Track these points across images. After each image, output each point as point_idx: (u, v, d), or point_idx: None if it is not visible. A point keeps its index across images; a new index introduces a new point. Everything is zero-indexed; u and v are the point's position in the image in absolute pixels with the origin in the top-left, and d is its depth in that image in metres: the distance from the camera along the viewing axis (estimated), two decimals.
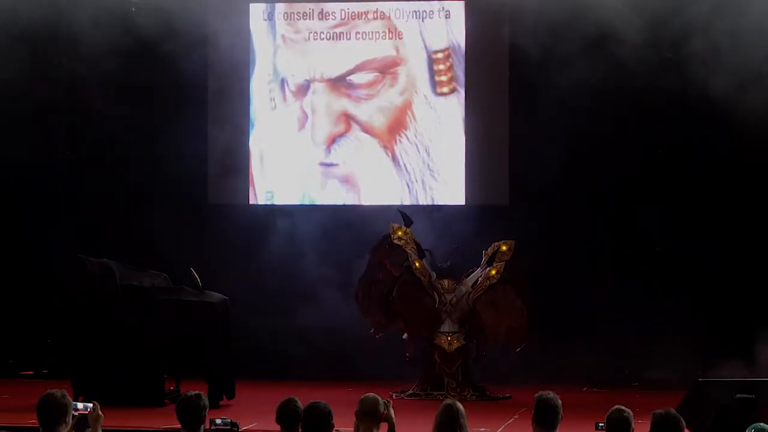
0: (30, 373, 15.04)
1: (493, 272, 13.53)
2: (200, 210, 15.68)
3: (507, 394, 13.38)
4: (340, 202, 15.53)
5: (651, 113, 14.60)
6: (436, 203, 15.24)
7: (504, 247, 13.63)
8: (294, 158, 15.62)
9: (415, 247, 13.68)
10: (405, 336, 13.71)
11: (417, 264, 13.58)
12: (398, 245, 13.64)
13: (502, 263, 13.52)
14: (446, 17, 15.50)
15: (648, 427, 6.43)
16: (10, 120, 15.35)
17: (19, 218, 15.61)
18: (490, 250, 13.72)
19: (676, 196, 14.69)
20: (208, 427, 6.72)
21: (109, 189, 15.54)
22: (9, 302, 15.40)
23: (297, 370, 14.50)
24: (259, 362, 14.45)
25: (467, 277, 13.71)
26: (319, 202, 15.58)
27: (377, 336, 13.57)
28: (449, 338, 13.56)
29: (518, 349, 13.46)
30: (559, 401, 6.37)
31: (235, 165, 15.70)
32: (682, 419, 6.02)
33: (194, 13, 15.14)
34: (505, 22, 15.18)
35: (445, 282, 13.68)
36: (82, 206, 15.51)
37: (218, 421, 6.94)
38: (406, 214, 14.00)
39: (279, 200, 15.65)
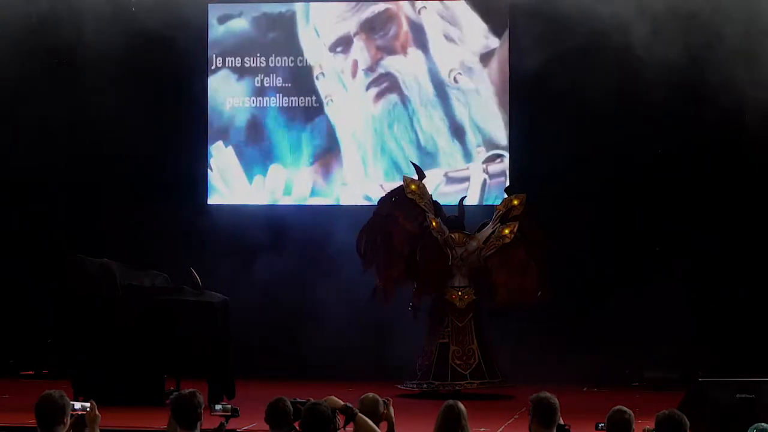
0: (30, 373, 15.03)
1: (506, 231, 13.48)
2: (200, 210, 15.68)
3: (511, 394, 13.36)
4: (339, 202, 15.56)
5: (652, 113, 14.61)
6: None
7: (515, 201, 13.60)
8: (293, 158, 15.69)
9: (429, 202, 13.59)
10: (413, 289, 13.60)
11: (434, 224, 13.50)
12: (411, 199, 13.56)
13: (516, 223, 13.48)
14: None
15: (647, 426, 6.44)
16: (10, 120, 15.36)
17: (19, 218, 15.60)
18: (502, 205, 13.71)
19: (676, 196, 14.69)
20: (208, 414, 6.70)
21: (109, 189, 15.54)
22: (9, 302, 15.40)
23: (297, 370, 14.50)
24: (259, 362, 14.45)
25: (479, 231, 13.67)
26: (318, 201, 15.60)
27: (386, 297, 13.46)
28: (460, 293, 13.49)
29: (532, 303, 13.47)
30: (556, 399, 6.37)
31: (234, 165, 15.73)
32: (686, 419, 6.01)
33: (195, 14, 15.18)
34: (505, 20, 15.24)
35: (456, 235, 13.59)
36: (82, 206, 15.50)
37: (218, 407, 6.90)
38: (419, 167, 13.93)
39: (278, 200, 15.67)
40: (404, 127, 15.41)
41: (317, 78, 15.52)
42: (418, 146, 15.34)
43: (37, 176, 15.49)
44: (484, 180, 15.27)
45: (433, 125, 15.35)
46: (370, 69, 15.47)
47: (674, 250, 14.64)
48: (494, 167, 15.27)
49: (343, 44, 15.52)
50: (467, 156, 15.31)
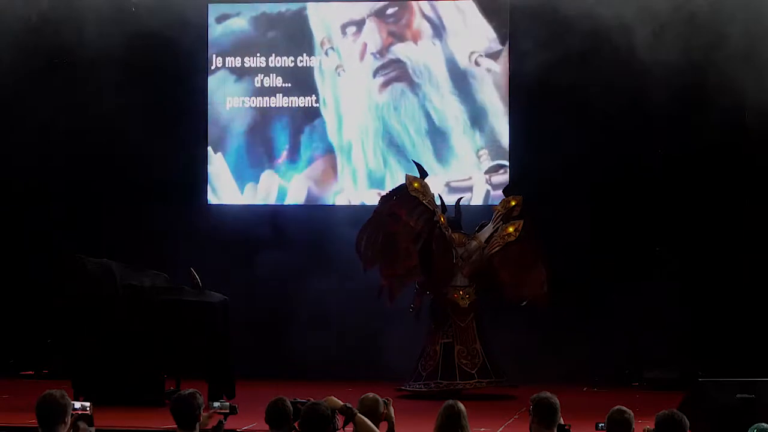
0: (30, 373, 15.02)
1: (511, 229, 13.47)
2: (200, 210, 15.68)
3: (513, 394, 13.34)
4: (339, 202, 15.55)
5: (653, 114, 14.62)
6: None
7: (513, 202, 13.60)
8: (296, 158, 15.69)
9: (432, 200, 13.56)
10: (416, 288, 13.55)
11: (442, 219, 13.50)
12: (414, 197, 13.53)
13: (521, 221, 13.48)
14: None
15: (647, 426, 6.44)
16: (10, 120, 15.36)
17: (19, 218, 15.60)
18: (500, 206, 13.71)
19: (677, 197, 14.69)
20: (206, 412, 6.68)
21: (109, 189, 15.54)
22: (9, 302, 15.40)
23: (297, 370, 14.49)
24: (259, 362, 14.44)
25: (478, 231, 13.65)
26: (319, 201, 15.60)
27: (391, 296, 13.39)
28: (461, 292, 13.49)
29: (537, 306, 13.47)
30: (557, 399, 6.38)
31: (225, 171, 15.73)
32: (685, 419, 6.01)
33: (195, 14, 15.18)
34: (506, 19, 15.24)
35: (456, 236, 13.60)
36: (82, 206, 15.50)
37: (216, 404, 6.88)
38: (421, 166, 13.91)
39: (279, 200, 15.68)
40: (405, 129, 15.39)
41: (325, 53, 15.46)
42: (420, 148, 15.32)
43: (37, 176, 15.49)
44: (487, 191, 15.25)
45: (434, 127, 15.34)
46: (379, 53, 15.46)
47: (674, 251, 14.64)
48: (497, 178, 15.23)
49: (355, 26, 15.48)
50: (468, 158, 15.28)
